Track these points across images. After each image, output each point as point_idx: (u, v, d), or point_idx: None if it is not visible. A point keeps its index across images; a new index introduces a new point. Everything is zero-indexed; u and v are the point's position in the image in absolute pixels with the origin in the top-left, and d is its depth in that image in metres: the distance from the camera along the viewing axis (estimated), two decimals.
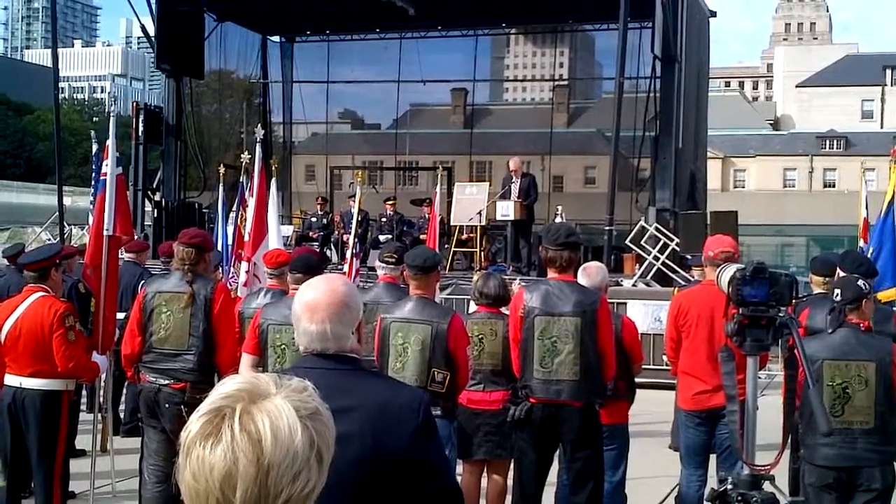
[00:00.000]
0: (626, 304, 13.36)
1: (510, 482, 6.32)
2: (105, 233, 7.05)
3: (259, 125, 11.25)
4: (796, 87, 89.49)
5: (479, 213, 16.30)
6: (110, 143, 7.30)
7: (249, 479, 1.42)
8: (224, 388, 1.50)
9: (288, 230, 19.25)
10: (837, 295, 5.19)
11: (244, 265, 9.13)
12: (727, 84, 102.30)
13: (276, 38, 25.92)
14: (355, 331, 2.76)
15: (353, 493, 2.52)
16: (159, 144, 21.98)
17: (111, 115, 7.70)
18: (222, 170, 13.92)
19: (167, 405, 6.08)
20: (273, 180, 11.98)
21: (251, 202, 9.57)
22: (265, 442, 1.43)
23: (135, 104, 22.09)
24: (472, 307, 7.25)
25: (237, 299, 7.58)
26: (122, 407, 9.71)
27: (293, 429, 1.45)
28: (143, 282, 7.79)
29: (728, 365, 4.17)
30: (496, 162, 24.64)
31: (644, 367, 7.24)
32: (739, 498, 3.88)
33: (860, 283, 5.31)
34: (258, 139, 10.09)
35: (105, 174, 7.27)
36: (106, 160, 7.30)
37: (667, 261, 15.50)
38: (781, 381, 4.41)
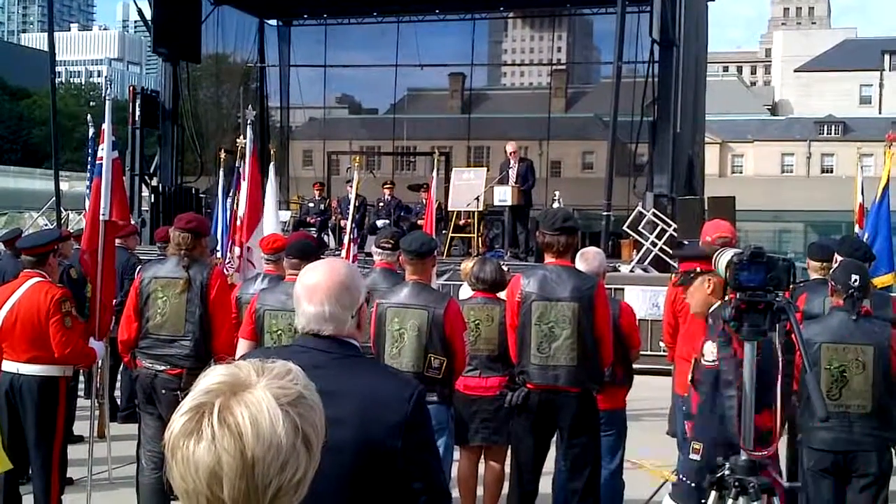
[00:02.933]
0: (623, 289, 13.36)
1: (507, 468, 6.32)
2: (101, 217, 7.03)
3: (250, 107, 11.15)
4: (794, 71, 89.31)
5: (477, 198, 16.27)
6: (106, 127, 7.26)
7: (235, 474, 1.41)
8: (204, 382, 1.48)
9: (285, 215, 19.23)
10: (856, 280, 5.16)
11: (237, 250, 9.08)
12: (725, 69, 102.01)
13: (274, 22, 25.85)
14: (355, 314, 2.74)
15: (333, 478, 2.52)
16: (156, 129, 21.93)
17: (108, 98, 7.65)
18: (222, 154, 13.87)
19: (164, 391, 6.07)
20: (271, 165, 11.94)
21: (244, 186, 9.51)
22: (246, 436, 1.41)
23: (131, 88, 22.01)
24: (464, 292, 7.23)
25: (234, 285, 7.56)
26: (117, 393, 9.70)
27: (274, 419, 1.43)
28: (136, 267, 7.77)
29: (725, 350, 4.18)
30: (494, 147, 24.62)
31: (641, 352, 7.24)
32: (737, 483, 3.88)
33: (864, 266, 5.33)
34: (249, 121, 10.02)
35: (101, 158, 7.23)
36: (102, 144, 7.26)
37: (664, 246, 15.49)
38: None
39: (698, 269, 4.39)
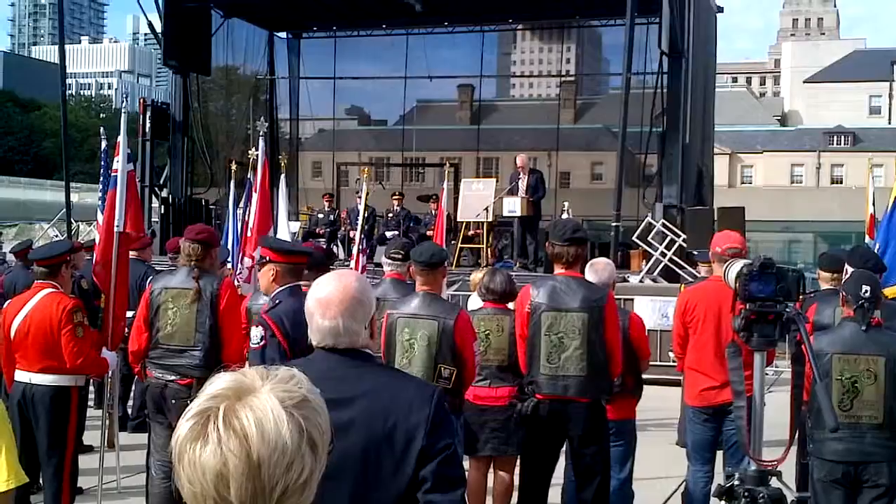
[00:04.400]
0: (633, 300, 13.36)
1: (517, 478, 6.32)
2: (115, 229, 7.06)
3: (262, 119, 11.21)
4: (804, 82, 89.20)
5: (486, 209, 16.30)
6: (121, 139, 7.30)
7: (241, 475, 1.43)
8: (210, 388, 1.51)
9: (295, 226, 19.27)
10: (867, 291, 5.14)
11: (247, 261, 9.13)
12: (734, 80, 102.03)
13: (283, 34, 25.95)
14: (368, 325, 2.79)
15: (357, 479, 2.56)
16: (166, 141, 22.01)
17: (122, 111, 7.69)
18: (233, 166, 13.94)
19: (174, 401, 6.09)
20: (282, 176, 11.98)
21: (255, 197, 9.56)
22: (251, 437, 1.44)
23: (142, 101, 22.11)
24: (472, 303, 7.24)
25: (244, 296, 7.58)
26: (130, 403, 9.72)
27: (279, 420, 1.46)
28: (149, 279, 7.80)
29: (735, 360, 4.17)
30: (503, 158, 24.67)
31: (651, 363, 7.24)
32: (746, 493, 3.87)
33: (875, 277, 5.31)
34: (261, 133, 10.07)
35: (116, 170, 7.27)
36: (116, 157, 7.30)
37: (674, 257, 15.49)
38: (789, 377, 4.40)
39: (267, 259, 5.31)
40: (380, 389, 2.67)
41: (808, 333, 4.05)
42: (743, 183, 72.25)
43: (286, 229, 10.70)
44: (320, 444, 1.53)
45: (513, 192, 15.91)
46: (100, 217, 7.49)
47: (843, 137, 73.56)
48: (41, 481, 6.38)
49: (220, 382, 1.51)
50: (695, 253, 12.25)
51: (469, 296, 8.50)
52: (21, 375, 6.15)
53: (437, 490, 2.59)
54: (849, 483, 5.09)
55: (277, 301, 5.08)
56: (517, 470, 6.35)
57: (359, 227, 10.43)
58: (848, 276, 5.65)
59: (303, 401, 1.52)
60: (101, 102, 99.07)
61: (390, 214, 18.30)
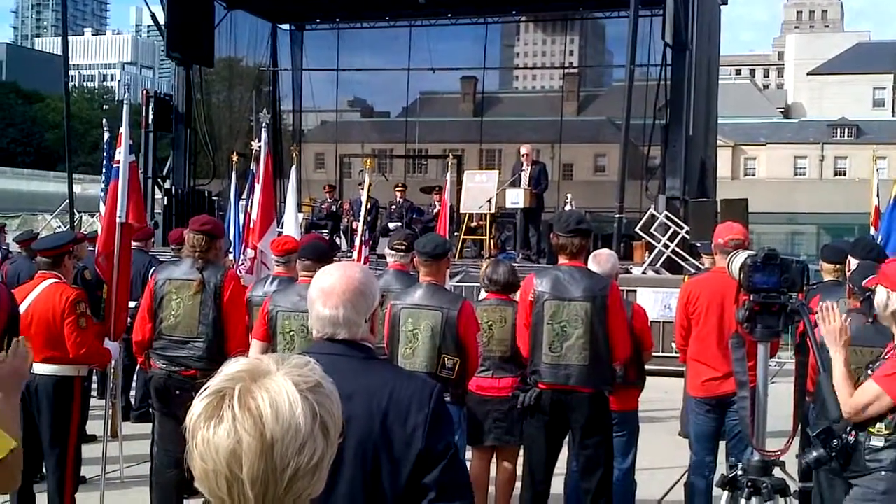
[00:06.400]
0: (635, 291, 13.33)
1: (519, 469, 6.33)
2: (118, 220, 7.07)
3: (265, 110, 11.20)
4: (807, 74, 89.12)
5: (489, 200, 16.29)
6: (123, 130, 7.31)
7: (254, 454, 1.45)
8: (226, 370, 1.54)
9: (298, 217, 19.25)
10: None
11: (250, 252, 9.16)
12: (738, 72, 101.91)
13: (286, 26, 25.92)
14: (369, 319, 2.75)
15: (355, 476, 2.54)
16: (169, 132, 22.03)
17: (124, 102, 7.71)
18: (235, 157, 13.92)
19: (177, 392, 6.09)
20: (293, 168, 11.99)
21: (257, 188, 9.58)
22: (266, 417, 1.46)
23: (145, 92, 22.14)
24: (482, 295, 7.25)
25: (246, 287, 7.58)
26: (132, 393, 9.75)
27: (293, 402, 1.48)
28: (152, 269, 7.80)
29: (738, 351, 4.18)
30: (506, 150, 24.63)
31: (654, 354, 7.24)
32: (749, 484, 3.88)
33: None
34: (264, 124, 10.08)
35: (118, 161, 7.28)
36: (119, 147, 7.32)
37: (677, 248, 15.48)
38: (792, 368, 4.40)
39: None
40: (379, 387, 2.63)
41: (812, 324, 4.05)
42: (746, 175, 72.24)
43: (294, 220, 10.71)
44: (332, 429, 1.55)
45: (515, 183, 15.88)
46: (102, 208, 7.51)
47: (846, 130, 73.53)
48: (44, 471, 6.40)
49: (235, 365, 1.54)
50: (698, 245, 12.24)
51: (475, 287, 8.51)
52: None
53: (444, 499, 2.53)
54: None
55: None
56: (520, 460, 6.36)
57: (361, 219, 10.42)
58: (855, 267, 5.62)
59: (317, 385, 1.55)
60: (104, 94, 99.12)
61: (393, 206, 18.30)
